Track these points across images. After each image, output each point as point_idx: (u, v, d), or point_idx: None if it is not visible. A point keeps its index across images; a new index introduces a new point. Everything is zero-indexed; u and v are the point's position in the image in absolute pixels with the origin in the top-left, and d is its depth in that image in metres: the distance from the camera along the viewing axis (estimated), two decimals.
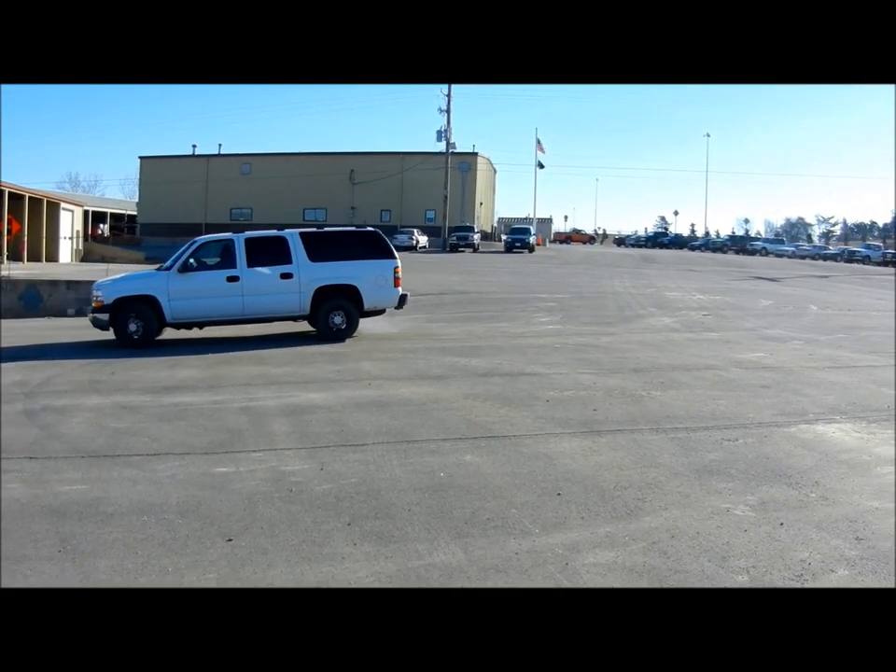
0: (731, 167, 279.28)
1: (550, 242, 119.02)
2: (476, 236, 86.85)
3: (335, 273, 23.21)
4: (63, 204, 72.21)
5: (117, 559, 7.51)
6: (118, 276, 24.19)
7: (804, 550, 7.86)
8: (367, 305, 23.48)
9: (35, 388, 15.40)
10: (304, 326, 23.37)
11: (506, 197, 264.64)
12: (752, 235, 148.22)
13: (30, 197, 63.73)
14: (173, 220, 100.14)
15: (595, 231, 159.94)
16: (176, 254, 23.60)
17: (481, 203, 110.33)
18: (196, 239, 23.89)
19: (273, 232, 24.13)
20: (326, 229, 26.56)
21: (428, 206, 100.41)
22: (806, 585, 7.05)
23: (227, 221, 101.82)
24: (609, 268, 62.17)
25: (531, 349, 20.77)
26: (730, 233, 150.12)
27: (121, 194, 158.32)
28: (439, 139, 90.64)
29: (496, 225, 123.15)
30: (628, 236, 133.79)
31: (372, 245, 24.20)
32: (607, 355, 19.90)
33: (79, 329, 24.73)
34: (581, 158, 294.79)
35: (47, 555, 7.60)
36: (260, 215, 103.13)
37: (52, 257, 66.43)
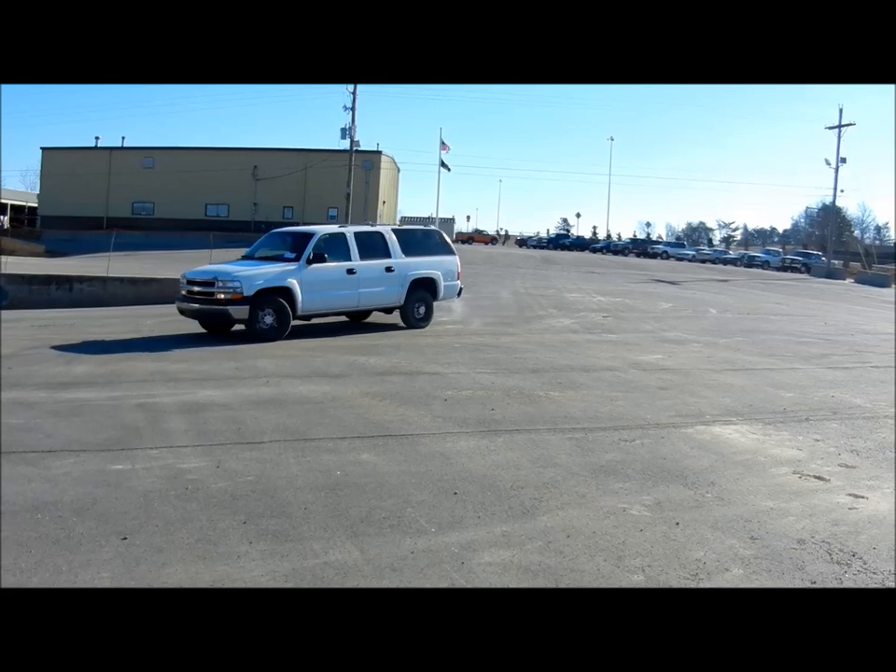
0: (634, 171, 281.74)
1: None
2: None
3: (421, 267, 25.40)
4: None
5: (10, 558, 7.31)
6: (233, 267, 23.13)
7: (699, 549, 7.93)
8: (440, 296, 26.24)
9: None
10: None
11: (409, 196, 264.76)
12: (654, 238, 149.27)
13: None
14: (74, 213, 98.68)
15: (498, 231, 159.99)
16: (256, 244, 25.56)
17: (384, 202, 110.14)
18: (313, 230, 24.47)
19: (370, 227, 26.48)
20: (402, 227, 29.11)
21: (331, 204, 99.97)
22: (701, 584, 7.11)
23: (129, 215, 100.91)
24: (511, 268, 62.42)
25: (430, 348, 20.79)
26: (631, 236, 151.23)
27: (22, 185, 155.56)
28: (343, 137, 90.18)
29: (399, 223, 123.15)
30: (530, 237, 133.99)
31: (438, 243, 27.11)
32: (506, 355, 19.94)
33: None
34: (484, 158, 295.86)
35: None
36: (162, 209, 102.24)
37: None
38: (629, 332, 26.03)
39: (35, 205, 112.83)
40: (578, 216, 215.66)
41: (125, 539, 7.83)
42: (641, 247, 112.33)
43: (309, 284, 22.46)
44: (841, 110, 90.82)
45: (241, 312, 21.45)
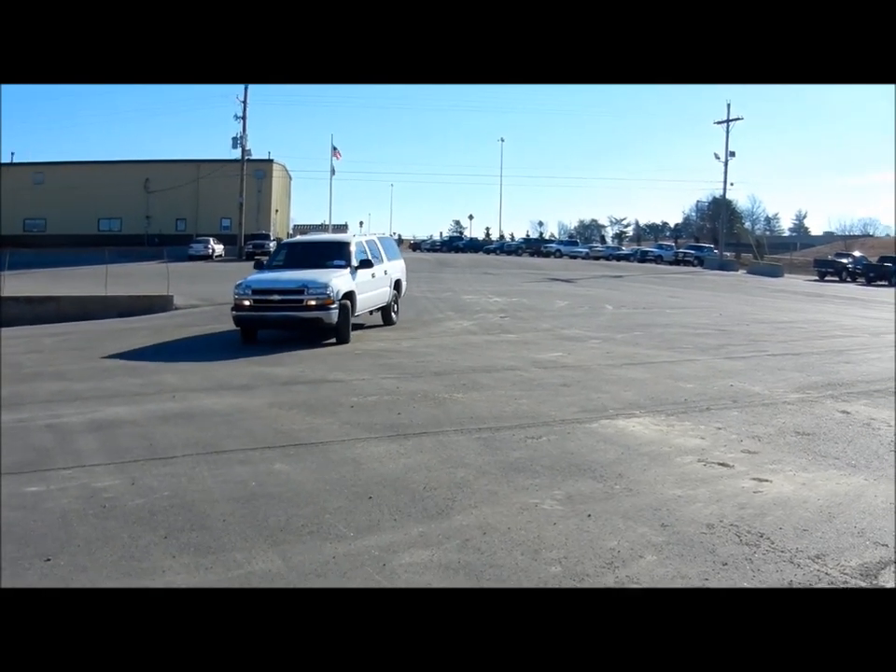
0: (525, 171, 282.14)
1: None
2: (272, 244, 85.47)
3: (396, 270, 28.66)
4: None
5: None
6: (302, 273, 23.67)
7: (612, 539, 8.11)
8: (401, 294, 29.54)
9: None
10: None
11: (301, 203, 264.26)
12: (546, 237, 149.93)
13: None
14: None
15: (391, 236, 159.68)
16: (274, 253, 29.12)
17: (276, 211, 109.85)
18: (342, 238, 27.67)
19: (370, 236, 29.64)
20: (379, 235, 31.91)
21: (224, 214, 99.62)
22: (617, 572, 7.27)
23: (20, 232, 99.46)
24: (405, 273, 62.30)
25: (331, 356, 20.76)
26: (525, 236, 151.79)
27: None
28: (234, 146, 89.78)
29: (291, 232, 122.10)
30: (423, 241, 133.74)
31: (395, 248, 31.23)
32: (407, 359, 20.05)
33: None
34: (375, 164, 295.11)
35: None
36: (55, 225, 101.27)
37: None
38: (528, 331, 26.23)
39: None
40: (471, 217, 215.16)
41: (48, 560, 7.78)
42: (534, 247, 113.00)
43: (358, 287, 24.14)
44: (729, 105, 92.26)
45: (331, 316, 22.51)
